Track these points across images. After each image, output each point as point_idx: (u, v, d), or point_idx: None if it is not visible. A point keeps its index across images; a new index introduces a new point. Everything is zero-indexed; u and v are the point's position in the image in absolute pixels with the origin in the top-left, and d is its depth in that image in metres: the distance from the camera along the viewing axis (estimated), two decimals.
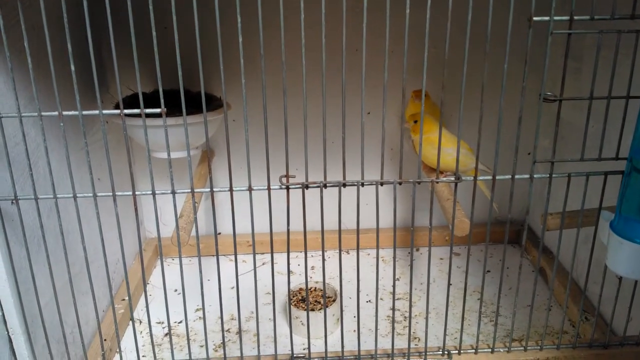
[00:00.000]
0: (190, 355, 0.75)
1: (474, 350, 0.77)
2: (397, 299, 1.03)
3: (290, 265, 0.70)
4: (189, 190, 0.66)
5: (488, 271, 1.10)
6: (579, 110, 0.94)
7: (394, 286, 0.71)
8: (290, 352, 0.76)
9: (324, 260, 0.70)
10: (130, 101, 0.95)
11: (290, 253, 0.69)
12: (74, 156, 0.82)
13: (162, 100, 0.59)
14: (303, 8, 0.56)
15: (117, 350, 0.81)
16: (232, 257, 1.17)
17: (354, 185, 0.65)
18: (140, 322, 0.98)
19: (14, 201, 0.62)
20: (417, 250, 1.22)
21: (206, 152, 1.01)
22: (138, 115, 0.60)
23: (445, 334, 0.75)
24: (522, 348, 0.77)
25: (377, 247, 0.68)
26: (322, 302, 0.96)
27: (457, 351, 0.77)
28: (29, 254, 0.64)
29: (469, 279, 0.72)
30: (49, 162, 0.62)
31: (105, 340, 0.86)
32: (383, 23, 0.57)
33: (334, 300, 0.96)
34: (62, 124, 0.60)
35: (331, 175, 0.65)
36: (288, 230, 0.67)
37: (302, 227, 0.67)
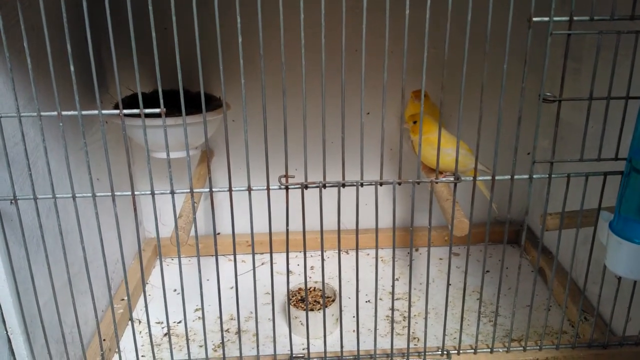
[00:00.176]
0: (189, 355, 0.75)
1: (473, 351, 0.77)
2: (397, 299, 1.03)
3: (290, 265, 0.70)
4: (188, 190, 0.65)
5: (487, 271, 1.10)
6: (579, 111, 0.94)
7: (393, 286, 0.71)
8: (289, 352, 0.76)
9: (323, 260, 0.70)
10: (130, 101, 0.95)
11: (290, 253, 0.69)
12: (73, 156, 0.82)
13: (161, 101, 0.59)
14: (303, 8, 0.56)
15: (116, 350, 0.81)
16: (232, 257, 1.17)
17: (354, 185, 0.65)
18: (140, 322, 0.98)
19: (13, 201, 0.62)
20: (417, 250, 1.22)
21: (205, 152, 1.01)
22: (137, 116, 0.60)
23: (444, 334, 0.75)
24: (522, 348, 0.77)
25: (377, 247, 0.68)
26: (321, 302, 0.96)
27: (456, 351, 0.77)
28: (28, 254, 0.64)
29: (468, 279, 0.72)
30: (48, 162, 0.61)
31: (104, 340, 0.86)
32: (383, 23, 0.57)
33: (333, 301, 0.96)
34: (61, 124, 0.60)
35: (330, 176, 0.65)
36: (287, 230, 0.67)
37: (301, 227, 0.67)
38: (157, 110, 0.59)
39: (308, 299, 0.97)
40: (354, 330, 0.93)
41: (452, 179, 0.66)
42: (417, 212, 1.22)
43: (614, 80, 0.62)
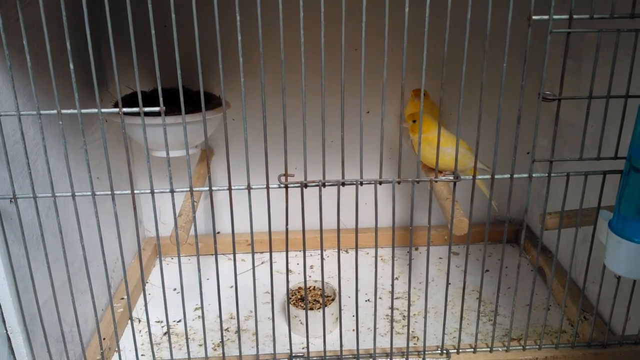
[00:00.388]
0: (189, 355, 0.75)
1: (472, 350, 0.77)
2: (396, 298, 1.03)
3: (289, 264, 0.70)
4: (188, 189, 0.65)
5: (487, 270, 1.10)
6: (578, 110, 0.94)
7: (392, 285, 0.71)
8: (289, 351, 0.76)
9: (322, 259, 0.70)
10: (130, 100, 0.95)
11: (289, 252, 0.69)
12: (72, 155, 0.82)
13: (161, 99, 0.59)
14: (302, 7, 0.56)
15: (116, 349, 0.81)
16: (231, 256, 1.17)
17: (353, 184, 0.65)
18: (139, 321, 0.98)
19: (12, 200, 0.62)
20: (416, 249, 1.22)
21: (205, 151, 1.01)
22: (137, 114, 0.60)
23: (444, 333, 0.75)
24: (521, 347, 0.77)
25: (376, 246, 0.68)
26: (321, 301, 0.96)
27: (455, 350, 0.77)
28: (27, 253, 0.64)
29: (468, 278, 0.72)
30: (48, 161, 0.61)
31: (104, 339, 0.86)
32: (382, 22, 0.57)
33: (332, 300, 0.96)
34: (61, 123, 0.60)
35: (330, 174, 0.65)
36: (287, 229, 0.67)
37: (301, 226, 0.67)
38: (156, 109, 0.59)
39: (308, 298, 0.97)
40: (353, 330, 0.93)
41: (451, 178, 0.66)
42: (417, 211, 1.22)
43: (613, 78, 0.62)
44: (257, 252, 1.17)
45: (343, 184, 0.65)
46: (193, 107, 0.82)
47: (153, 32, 0.56)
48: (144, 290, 0.71)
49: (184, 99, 0.60)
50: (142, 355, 0.89)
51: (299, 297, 0.98)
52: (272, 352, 0.76)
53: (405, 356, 0.76)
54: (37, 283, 0.66)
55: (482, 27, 0.58)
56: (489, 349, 0.77)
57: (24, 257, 0.65)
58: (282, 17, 0.56)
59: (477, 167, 0.67)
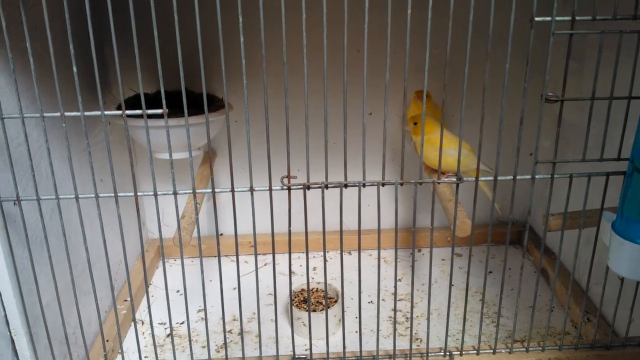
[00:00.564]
0: (192, 356, 0.75)
1: (475, 351, 0.77)
2: (399, 300, 1.03)
3: (292, 266, 0.70)
4: (191, 191, 0.66)
5: (490, 272, 1.10)
6: (581, 111, 0.94)
7: (395, 287, 0.71)
8: (292, 353, 0.76)
9: (325, 261, 0.70)
10: (133, 102, 0.96)
11: (292, 254, 0.69)
12: (76, 157, 0.82)
13: (163, 101, 0.59)
14: (305, 8, 0.56)
15: (119, 351, 0.81)
16: (234, 258, 1.17)
17: (356, 186, 0.65)
18: (143, 322, 0.99)
19: (16, 202, 0.62)
20: (419, 251, 1.22)
21: (208, 153, 1.01)
22: (140, 116, 0.60)
23: (446, 335, 0.75)
24: (524, 349, 0.77)
25: (379, 248, 0.68)
26: (323, 302, 0.96)
27: (458, 352, 0.77)
28: (31, 255, 0.64)
29: (471, 280, 0.72)
30: (51, 163, 0.62)
31: (107, 341, 0.86)
32: (385, 23, 0.57)
33: (335, 301, 0.96)
34: (64, 125, 0.60)
35: (332, 176, 0.65)
36: (289, 230, 0.67)
37: (303, 228, 0.67)
38: (159, 111, 0.59)
39: (310, 300, 0.97)
40: (356, 331, 0.93)
41: (454, 179, 0.66)
42: (420, 213, 1.22)
43: (616, 80, 0.62)
44: (259, 254, 1.17)
45: (346, 186, 0.65)
46: (196, 109, 0.82)
47: (156, 34, 0.56)
48: (147, 292, 0.71)
49: (187, 101, 0.61)
50: (145, 357, 0.89)
51: (301, 298, 0.98)
52: (275, 354, 0.76)
53: (408, 358, 0.75)
54: (40, 285, 0.66)
55: (485, 29, 0.57)
56: (492, 351, 0.77)
57: (28, 259, 0.65)
58: (285, 18, 0.56)
59: (480, 168, 0.67)
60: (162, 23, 0.57)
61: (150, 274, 1.14)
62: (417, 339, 0.92)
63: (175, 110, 0.74)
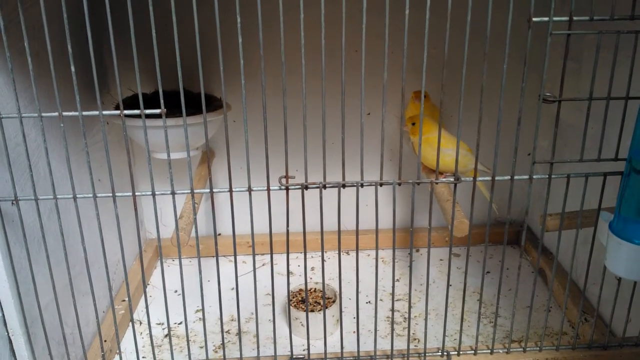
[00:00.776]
0: (190, 356, 0.75)
1: (473, 352, 0.77)
2: (397, 300, 1.03)
3: (290, 266, 0.70)
4: (189, 191, 0.66)
5: (487, 272, 1.10)
6: (579, 111, 0.94)
7: (393, 287, 0.71)
8: (289, 353, 0.76)
9: (323, 261, 0.70)
10: (131, 102, 0.95)
11: (290, 254, 0.69)
12: (74, 157, 0.82)
13: (161, 101, 0.59)
14: (303, 9, 0.56)
15: (117, 351, 0.81)
16: (232, 258, 1.17)
17: (354, 186, 0.65)
18: (140, 323, 0.98)
19: (14, 202, 0.62)
20: (417, 251, 1.22)
21: (206, 152, 1.01)
22: (138, 116, 0.60)
23: (444, 335, 0.75)
24: (521, 349, 0.77)
25: (377, 248, 0.68)
26: (321, 303, 0.96)
27: (456, 352, 0.77)
28: (29, 255, 0.64)
29: (469, 280, 0.72)
30: (49, 163, 0.62)
31: (105, 341, 0.86)
32: (382, 24, 0.57)
33: (333, 301, 0.96)
34: (62, 125, 0.60)
35: (331, 176, 0.65)
36: (287, 231, 0.67)
37: (301, 228, 0.67)
38: (157, 111, 0.59)
39: (308, 300, 0.97)
40: (354, 331, 0.93)
41: (452, 179, 0.66)
42: (417, 213, 1.22)
43: (613, 80, 0.62)
44: (258, 254, 1.17)
45: (344, 186, 0.65)
46: (194, 109, 0.82)
47: (154, 34, 0.56)
48: (145, 292, 0.71)
49: (185, 101, 0.61)
50: (143, 357, 0.89)
51: (299, 299, 0.98)
52: (273, 354, 0.76)
53: (405, 358, 0.76)
54: (38, 285, 0.66)
55: (483, 29, 0.58)
56: (489, 351, 0.77)
57: (26, 259, 0.65)
58: (283, 19, 0.56)
59: (478, 168, 0.67)
60: (160, 23, 0.57)
61: (148, 274, 1.13)
62: (415, 339, 0.92)
63: (173, 110, 0.74)
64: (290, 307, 0.90)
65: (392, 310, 0.71)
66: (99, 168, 0.91)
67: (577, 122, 0.97)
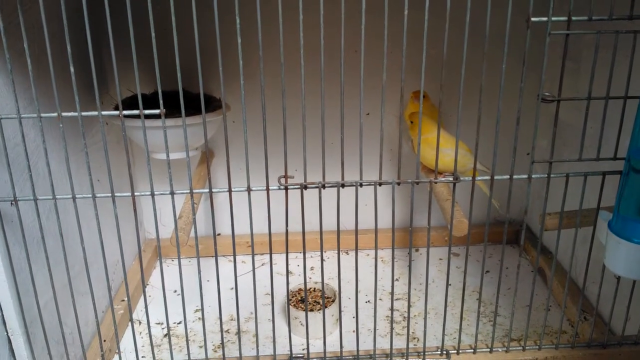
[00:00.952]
0: (189, 356, 0.75)
1: (472, 350, 0.77)
2: (396, 299, 1.03)
3: (289, 266, 0.70)
4: (188, 191, 0.66)
5: (487, 271, 1.10)
6: (577, 111, 0.94)
7: (392, 286, 0.71)
8: (289, 353, 0.76)
9: (322, 260, 0.70)
10: (131, 102, 0.95)
11: (289, 254, 0.70)
12: (73, 157, 0.82)
13: (161, 102, 0.59)
14: (302, 9, 0.56)
15: (117, 351, 0.81)
16: (231, 258, 1.17)
17: (353, 185, 0.65)
18: (140, 323, 0.99)
19: (13, 202, 0.62)
20: (416, 250, 1.22)
21: (205, 153, 1.01)
22: (137, 117, 0.60)
23: (443, 334, 0.75)
24: (521, 348, 0.77)
25: (376, 248, 0.68)
26: (321, 302, 0.96)
27: (455, 351, 0.77)
28: (28, 255, 0.64)
29: (468, 279, 0.72)
30: (49, 163, 0.62)
31: (104, 341, 0.86)
32: (382, 24, 0.57)
33: (333, 301, 0.96)
34: (61, 125, 0.60)
35: (330, 176, 0.65)
36: (287, 230, 0.67)
37: (301, 228, 0.67)
38: (156, 112, 0.59)
39: (308, 300, 0.97)
40: (353, 331, 0.93)
41: (451, 179, 0.66)
42: (417, 213, 1.22)
43: (612, 80, 0.62)
44: (257, 254, 1.17)
45: (343, 186, 0.65)
46: (193, 109, 0.82)
47: (153, 34, 0.56)
48: (144, 292, 0.71)
49: (184, 101, 0.61)
50: (142, 357, 0.89)
51: (299, 298, 0.98)
52: (272, 354, 0.76)
53: (405, 357, 0.76)
54: (37, 285, 0.66)
55: (481, 29, 0.58)
56: (489, 350, 0.77)
57: (25, 259, 0.65)
58: (282, 19, 0.56)
59: (477, 168, 0.67)
60: (159, 23, 0.57)
61: (147, 274, 1.13)
62: (415, 338, 0.92)
63: (172, 111, 0.74)
64: (290, 306, 0.90)
65: (392, 309, 0.72)
66: (98, 168, 0.91)
67: (576, 122, 0.97)
